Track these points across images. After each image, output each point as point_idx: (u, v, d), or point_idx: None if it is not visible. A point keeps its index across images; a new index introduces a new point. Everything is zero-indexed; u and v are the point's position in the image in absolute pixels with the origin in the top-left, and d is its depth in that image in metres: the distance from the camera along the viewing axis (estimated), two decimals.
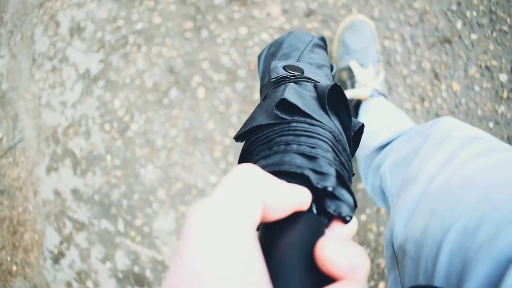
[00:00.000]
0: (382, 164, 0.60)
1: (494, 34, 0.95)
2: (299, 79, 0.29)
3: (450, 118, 0.52)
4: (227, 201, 0.17)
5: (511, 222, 0.28)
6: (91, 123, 1.06)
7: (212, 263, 0.14)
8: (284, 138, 0.23)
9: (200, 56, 1.01)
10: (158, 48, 1.04)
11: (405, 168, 0.50)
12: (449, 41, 0.96)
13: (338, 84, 0.26)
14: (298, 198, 0.19)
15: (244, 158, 0.26)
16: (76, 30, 1.10)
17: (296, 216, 0.19)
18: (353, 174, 0.26)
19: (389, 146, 0.64)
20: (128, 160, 1.02)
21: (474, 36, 0.96)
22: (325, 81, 0.30)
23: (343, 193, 0.22)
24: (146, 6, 1.06)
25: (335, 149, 0.24)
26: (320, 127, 0.24)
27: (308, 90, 0.27)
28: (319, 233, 0.19)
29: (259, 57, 0.39)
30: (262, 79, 0.35)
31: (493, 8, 0.96)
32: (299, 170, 0.21)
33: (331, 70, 0.35)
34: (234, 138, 0.27)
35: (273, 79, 0.29)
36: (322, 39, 0.38)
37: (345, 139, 0.26)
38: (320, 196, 0.21)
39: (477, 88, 0.95)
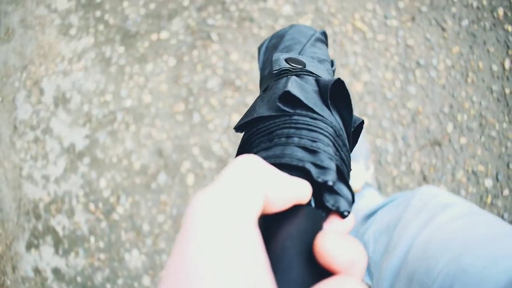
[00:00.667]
0: (366, 233, 0.62)
1: (483, 139, 0.97)
2: (301, 73, 0.29)
3: (429, 187, 0.54)
4: (229, 191, 0.17)
5: (477, 284, 0.30)
6: (75, 202, 1.02)
7: (214, 254, 0.14)
8: (286, 130, 0.23)
9: (191, 141, 0.99)
10: (147, 128, 1.01)
11: (388, 236, 0.52)
12: (439, 144, 0.97)
13: (342, 80, 0.26)
14: (299, 191, 0.20)
15: (243, 149, 0.26)
16: (61, 100, 1.05)
17: (295, 209, 0.19)
18: (351, 169, 0.26)
19: (373, 216, 0.67)
20: (113, 243, 1.00)
21: (463, 140, 0.97)
22: (326, 75, 0.30)
23: (342, 188, 0.22)
24: (136, 82, 1.02)
25: (336, 144, 0.24)
26: (322, 121, 0.24)
27: (310, 84, 0.27)
28: (318, 226, 0.20)
29: (259, 49, 0.38)
30: (262, 71, 0.35)
31: (483, 113, 0.98)
32: (300, 163, 0.21)
33: (332, 65, 0.35)
34: (234, 128, 0.27)
35: (275, 71, 0.29)
36: (324, 33, 0.38)
37: (345, 134, 0.26)
38: (319, 190, 0.22)
39: (463, 192, 0.97)
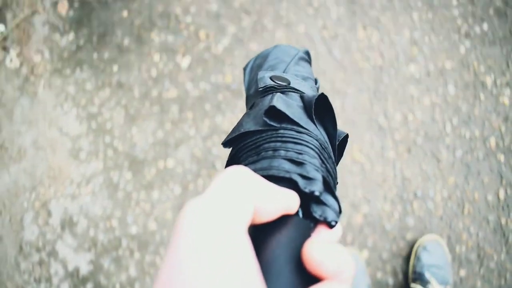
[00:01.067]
0: None
1: (482, 270, 0.99)
2: (286, 89, 0.30)
3: None
4: (219, 200, 0.17)
5: None
6: None
7: (206, 258, 0.14)
8: (272, 144, 0.24)
9: None
10: (151, 256, 1.02)
11: None
12: None
13: (325, 95, 0.26)
14: (288, 201, 0.20)
15: (231, 163, 0.26)
16: (68, 223, 1.08)
17: (284, 219, 0.20)
18: (337, 183, 0.26)
19: None
20: None
21: (462, 272, 0.99)
22: (310, 92, 0.31)
23: (329, 198, 0.23)
24: (142, 209, 1.05)
25: (322, 156, 0.25)
26: (307, 135, 0.25)
27: (294, 100, 0.28)
28: (306, 236, 0.20)
29: (244, 69, 0.39)
30: (247, 90, 0.36)
31: (481, 244, 1.00)
32: (287, 175, 0.22)
33: (316, 82, 0.36)
34: (222, 144, 0.27)
35: (260, 89, 0.30)
36: (307, 53, 0.39)
37: (331, 147, 0.27)
38: (306, 201, 0.22)
39: None
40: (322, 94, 0.27)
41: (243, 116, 0.28)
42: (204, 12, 1.13)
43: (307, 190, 0.22)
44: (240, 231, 0.16)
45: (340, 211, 0.23)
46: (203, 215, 0.16)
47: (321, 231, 0.22)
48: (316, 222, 0.22)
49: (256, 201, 0.18)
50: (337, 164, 0.28)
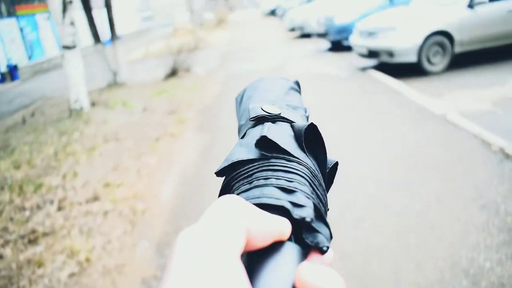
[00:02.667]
0: None
1: None
2: (277, 119, 0.31)
3: None
4: (212, 229, 0.18)
5: None
6: None
7: (202, 284, 0.15)
8: (264, 173, 0.25)
9: None
10: None
11: None
12: None
13: (315, 124, 0.27)
14: (280, 227, 0.20)
15: (224, 192, 0.27)
16: None
17: (276, 245, 0.21)
18: (328, 209, 0.27)
19: None
20: None
21: None
22: (300, 121, 0.31)
23: (320, 225, 0.23)
24: None
25: (312, 184, 0.25)
26: (298, 163, 0.26)
27: (285, 129, 0.29)
28: (299, 261, 0.21)
29: (236, 99, 0.40)
30: (239, 120, 0.37)
31: None
32: (278, 202, 0.23)
33: (305, 111, 0.37)
34: (215, 173, 0.28)
35: (252, 119, 0.31)
36: (297, 83, 0.41)
37: (321, 175, 0.28)
38: (298, 227, 0.23)
39: None
40: (312, 123, 0.28)
41: (235, 146, 0.29)
42: None
43: (298, 217, 0.22)
44: (234, 258, 0.17)
45: (331, 237, 0.24)
46: (197, 243, 0.17)
47: (313, 257, 0.22)
48: (308, 248, 0.23)
49: (249, 228, 0.19)
50: (327, 191, 0.29)
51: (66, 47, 5.18)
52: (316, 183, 0.26)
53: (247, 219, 0.19)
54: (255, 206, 0.21)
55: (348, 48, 7.26)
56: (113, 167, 3.44)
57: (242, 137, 0.31)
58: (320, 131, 0.28)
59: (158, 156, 3.69)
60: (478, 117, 3.55)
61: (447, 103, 4.09)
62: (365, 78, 5.76)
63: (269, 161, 0.26)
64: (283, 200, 0.23)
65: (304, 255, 0.22)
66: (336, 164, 0.30)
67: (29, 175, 3.45)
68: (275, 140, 0.26)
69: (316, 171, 0.27)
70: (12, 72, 11.54)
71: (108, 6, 7.28)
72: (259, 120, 0.31)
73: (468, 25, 5.20)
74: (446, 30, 5.20)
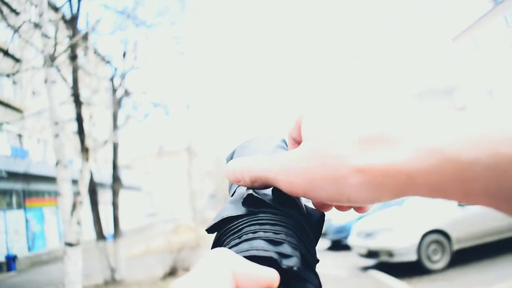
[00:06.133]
0: None
1: None
2: None
3: None
4: (202, 280, 0.18)
5: None
6: None
7: None
8: (252, 227, 0.26)
9: None
10: None
11: None
12: None
13: None
14: (268, 278, 0.21)
15: (215, 247, 0.27)
16: None
17: None
18: (318, 260, 0.28)
19: None
20: None
21: None
22: None
23: (309, 274, 0.24)
24: None
25: (299, 235, 0.26)
26: (284, 216, 0.27)
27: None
28: None
29: (227, 159, 0.41)
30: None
31: None
32: (266, 254, 0.24)
33: None
34: (206, 230, 0.29)
35: None
36: (284, 141, 0.41)
37: (308, 227, 0.29)
38: (287, 277, 0.23)
39: None
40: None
41: (226, 203, 0.31)
42: None
43: (285, 266, 0.23)
44: None
45: (320, 286, 0.25)
46: None
47: None
48: None
49: (237, 278, 0.20)
50: (316, 243, 0.30)
51: (69, 244, 5.25)
52: (304, 234, 0.27)
53: (235, 271, 0.20)
54: (243, 258, 0.22)
55: (347, 247, 7.32)
56: None
57: (232, 195, 0.33)
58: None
59: None
60: None
61: None
62: (367, 278, 5.58)
63: (257, 215, 0.27)
64: (271, 251, 0.24)
65: None
66: (323, 215, 0.31)
67: None
68: (260, 197, 0.28)
69: (303, 223, 0.28)
70: (10, 262, 11.40)
71: (114, 204, 7.72)
72: None
73: (461, 223, 5.36)
74: (441, 228, 5.35)
